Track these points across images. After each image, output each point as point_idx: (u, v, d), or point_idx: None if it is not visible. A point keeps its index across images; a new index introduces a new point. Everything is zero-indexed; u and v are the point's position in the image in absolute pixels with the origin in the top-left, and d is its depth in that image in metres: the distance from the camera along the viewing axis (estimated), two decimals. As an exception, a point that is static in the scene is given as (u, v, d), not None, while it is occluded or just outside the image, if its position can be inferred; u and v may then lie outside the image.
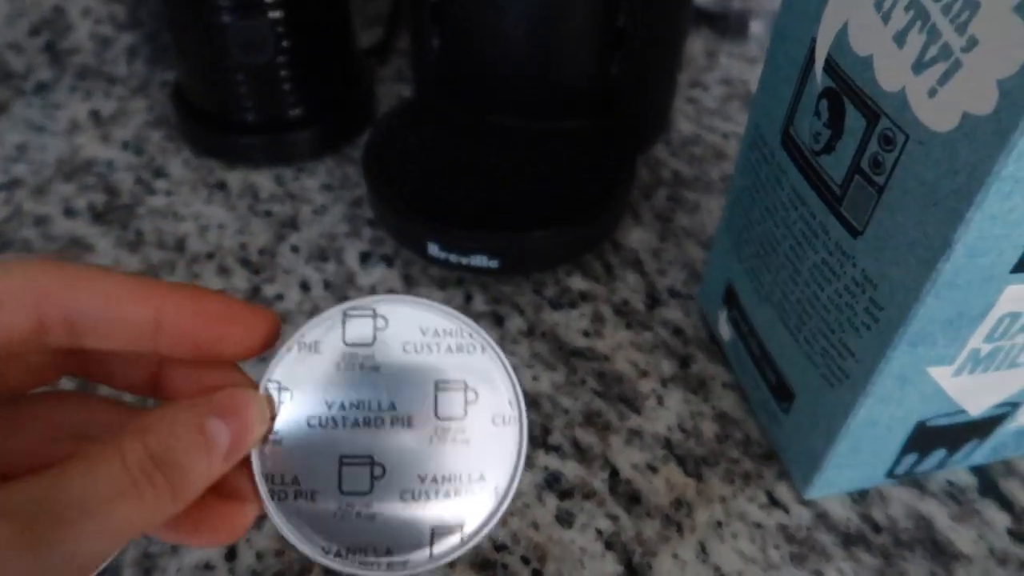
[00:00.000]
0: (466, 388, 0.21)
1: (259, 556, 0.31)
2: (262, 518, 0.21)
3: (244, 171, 0.49)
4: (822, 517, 0.33)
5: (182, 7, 0.44)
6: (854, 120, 0.25)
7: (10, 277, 0.18)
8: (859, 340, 0.27)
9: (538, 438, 0.35)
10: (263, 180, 0.48)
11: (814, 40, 0.27)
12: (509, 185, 0.42)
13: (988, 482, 0.34)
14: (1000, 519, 0.33)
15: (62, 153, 0.49)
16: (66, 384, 0.35)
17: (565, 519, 0.33)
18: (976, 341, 0.26)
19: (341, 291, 0.41)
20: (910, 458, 0.32)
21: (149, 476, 0.17)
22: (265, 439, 0.20)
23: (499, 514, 0.21)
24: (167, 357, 0.20)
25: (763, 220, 0.32)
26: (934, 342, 0.26)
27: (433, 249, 0.40)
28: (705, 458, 0.35)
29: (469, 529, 0.20)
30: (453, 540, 0.20)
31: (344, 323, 0.21)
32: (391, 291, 0.42)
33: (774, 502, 0.33)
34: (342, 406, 0.20)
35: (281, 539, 0.20)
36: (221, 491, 0.20)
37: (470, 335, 0.21)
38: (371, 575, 0.20)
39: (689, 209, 0.47)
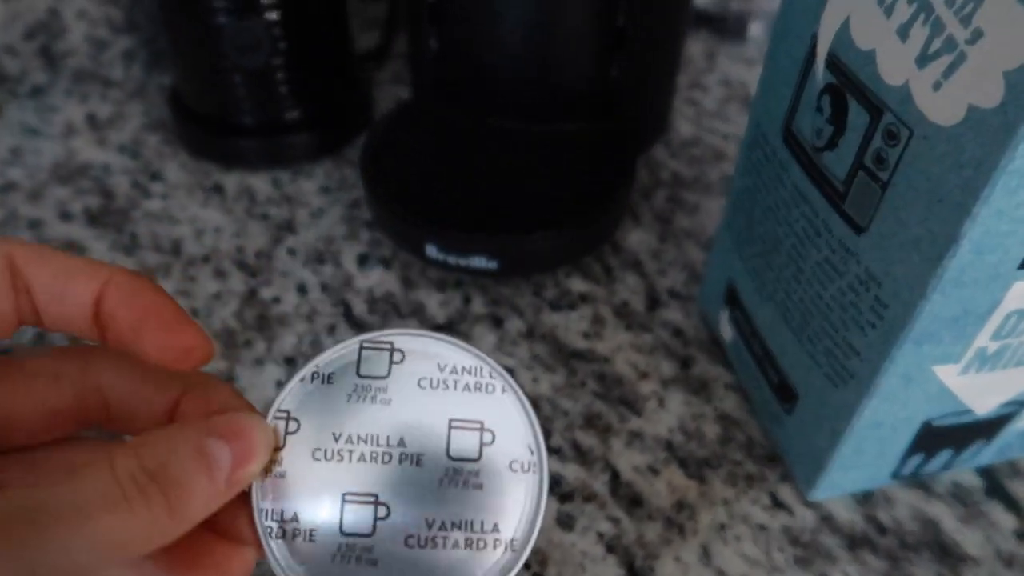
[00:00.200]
0: (482, 429, 0.20)
1: None
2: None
3: (241, 174, 0.48)
4: (827, 519, 0.32)
5: (177, 9, 0.44)
6: (857, 116, 0.25)
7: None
8: (863, 339, 0.27)
9: (538, 441, 0.35)
10: (260, 183, 0.48)
11: (815, 36, 0.27)
12: (508, 187, 0.41)
13: (994, 483, 0.34)
14: (1007, 520, 0.32)
15: (57, 157, 0.49)
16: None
17: (566, 522, 0.32)
18: (983, 339, 0.26)
19: (339, 294, 0.41)
20: (916, 459, 0.32)
21: (141, 488, 0.16)
22: (268, 471, 0.19)
23: (515, 572, 0.19)
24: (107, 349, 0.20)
25: (765, 219, 0.32)
26: (940, 340, 0.25)
27: (431, 250, 0.39)
28: (707, 460, 0.34)
29: None
30: None
31: (360, 355, 0.20)
32: (388, 294, 0.41)
33: (778, 504, 0.33)
34: (349, 439, 0.19)
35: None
36: (221, 531, 0.20)
37: (490, 374, 0.20)
38: None
39: (689, 210, 0.47)
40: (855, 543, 0.32)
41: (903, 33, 0.23)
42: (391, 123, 0.45)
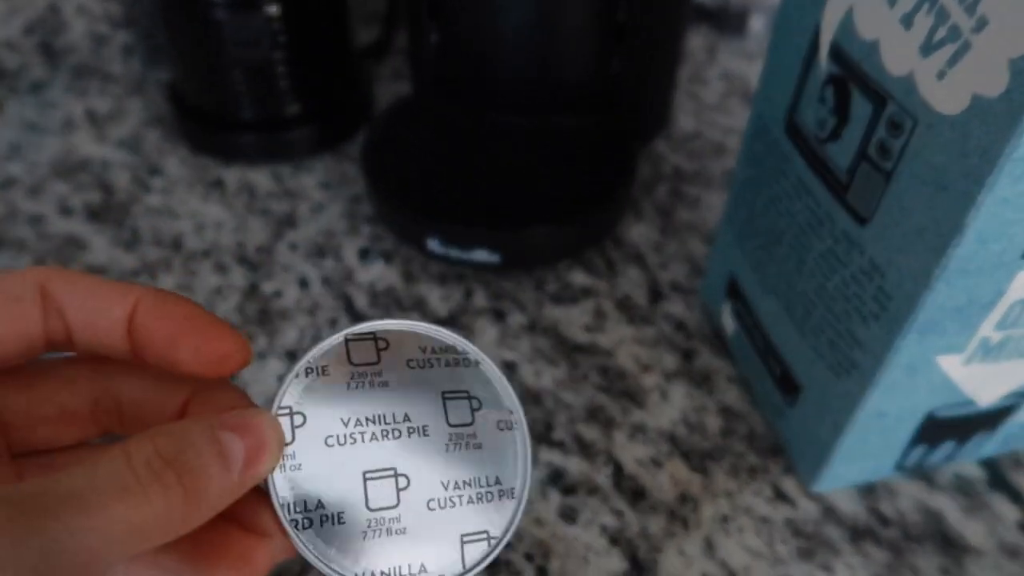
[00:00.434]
0: (470, 397, 0.21)
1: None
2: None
3: (241, 169, 0.48)
4: (830, 511, 0.32)
5: (177, 4, 0.44)
6: (860, 106, 0.25)
7: (20, 275, 0.19)
8: (867, 330, 0.27)
9: (541, 434, 0.35)
10: (260, 178, 0.48)
11: (818, 27, 0.27)
12: (509, 181, 0.41)
13: (997, 475, 0.34)
14: (1010, 512, 0.32)
15: (57, 152, 0.49)
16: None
17: (569, 515, 0.32)
18: (987, 329, 0.26)
19: (340, 288, 0.41)
20: (919, 450, 0.32)
21: (158, 475, 0.16)
22: (283, 467, 0.20)
23: (518, 517, 0.21)
24: (141, 361, 0.21)
25: (767, 211, 0.32)
26: (944, 330, 0.25)
27: (433, 244, 0.39)
28: (710, 452, 0.34)
29: (494, 534, 0.21)
30: (481, 547, 0.20)
31: (347, 347, 0.21)
32: (389, 288, 0.41)
33: (781, 496, 0.33)
34: (359, 422, 0.20)
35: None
36: (245, 525, 0.20)
37: (465, 350, 0.22)
38: None
39: (690, 204, 0.46)
40: (858, 535, 0.32)
41: (907, 22, 0.22)
42: (391, 118, 0.45)
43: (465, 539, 0.20)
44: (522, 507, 0.21)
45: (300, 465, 0.20)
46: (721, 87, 0.56)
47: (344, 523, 0.20)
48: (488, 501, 0.21)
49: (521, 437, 0.21)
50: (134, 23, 0.56)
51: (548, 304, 0.41)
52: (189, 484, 0.17)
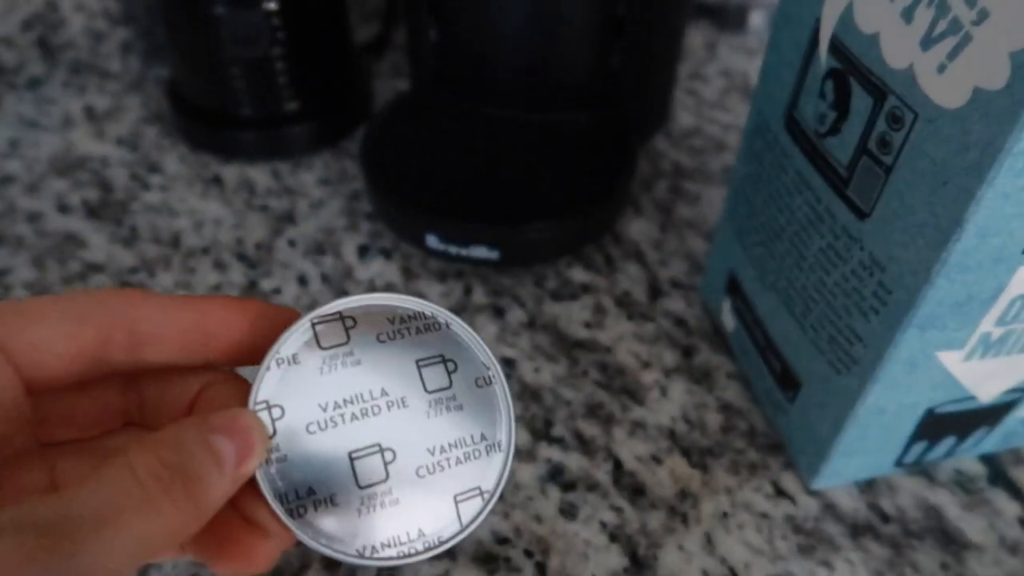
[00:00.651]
0: (444, 360, 0.22)
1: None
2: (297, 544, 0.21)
3: (240, 166, 0.48)
4: (830, 507, 0.32)
5: (175, 0, 0.44)
6: (860, 100, 0.25)
7: (83, 300, 0.19)
8: (867, 325, 0.27)
9: (540, 430, 0.35)
10: (259, 175, 0.48)
11: (818, 21, 0.26)
12: (509, 177, 0.41)
13: (997, 471, 0.34)
14: (1010, 508, 0.32)
15: (55, 149, 0.49)
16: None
17: (568, 512, 0.32)
18: (987, 325, 0.25)
19: (339, 284, 0.41)
20: (919, 446, 0.31)
21: (165, 486, 0.17)
22: (268, 460, 0.20)
23: (508, 467, 0.21)
24: (217, 364, 0.21)
25: (767, 207, 0.32)
26: (944, 326, 0.25)
27: (432, 241, 0.39)
28: (710, 449, 0.34)
29: (487, 487, 0.21)
30: (476, 503, 0.21)
31: (315, 331, 0.21)
32: (388, 284, 0.41)
33: (780, 493, 0.33)
34: (336, 405, 0.21)
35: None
36: (249, 519, 0.20)
37: (433, 314, 0.22)
38: (411, 561, 0.20)
39: (690, 200, 0.46)
40: (858, 531, 0.32)
41: (907, 15, 0.22)
42: (391, 114, 0.45)
43: (459, 498, 0.21)
44: (510, 457, 0.21)
45: (285, 456, 0.20)
46: (721, 83, 0.55)
47: (337, 504, 0.20)
48: (476, 458, 0.21)
49: (501, 390, 0.22)
50: (133, 20, 0.56)
51: (548, 300, 0.41)
52: (195, 490, 0.17)
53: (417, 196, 0.40)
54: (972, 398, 0.29)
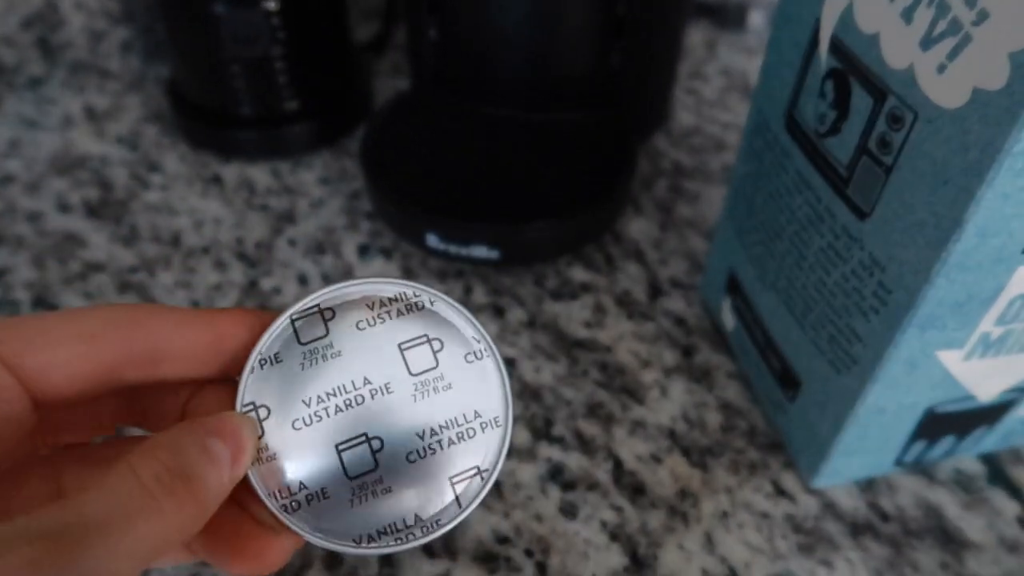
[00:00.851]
0: (428, 340, 0.21)
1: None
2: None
3: (240, 165, 0.48)
4: (829, 506, 0.32)
5: (176, -1, 0.44)
6: (860, 100, 0.25)
7: (96, 318, 0.19)
8: (867, 325, 0.27)
9: (541, 430, 0.35)
10: (259, 174, 0.48)
11: (818, 21, 0.27)
12: (509, 176, 0.41)
13: (997, 470, 0.34)
14: (1010, 507, 0.32)
15: (55, 148, 0.49)
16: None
17: (569, 511, 0.32)
18: (987, 324, 0.26)
19: (339, 284, 0.41)
20: (919, 445, 0.32)
21: (168, 488, 0.17)
22: (259, 460, 0.20)
23: (506, 442, 0.21)
24: (230, 376, 0.22)
25: (767, 206, 0.32)
26: (944, 325, 0.25)
27: (432, 240, 0.39)
28: (710, 448, 0.34)
29: (485, 466, 0.21)
30: (474, 482, 0.21)
31: (294, 327, 0.21)
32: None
33: (780, 492, 0.33)
34: (320, 399, 0.21)
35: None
36: (258, 520, 0.21)
37: (415, 294, 0.21)
38: (409, 546, 0.20)
39: (690, 199, 0.46)
40: (858, 530, 0.32)
41: (907, 16, 0.22)
42: (391, 113, 0.45)
43: (454, 480, 0.20)
44: (509, 432, 0.21)
45: (275, 454, 0.20)
46: (721, 82, 0.55)
47: (329, 497, 0.20)
48: (471, 437, 0.21)
49: (493, 364, 0.21)
50: (132, 19, 0.56)
51: (548, 300, 0.41)
52: (194, 491, 0.18)
53: (417, 195, 0.40)
54: (972, 397, 0.29)
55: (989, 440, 0.33)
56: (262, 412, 0.20)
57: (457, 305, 0.21)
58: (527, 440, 0.34)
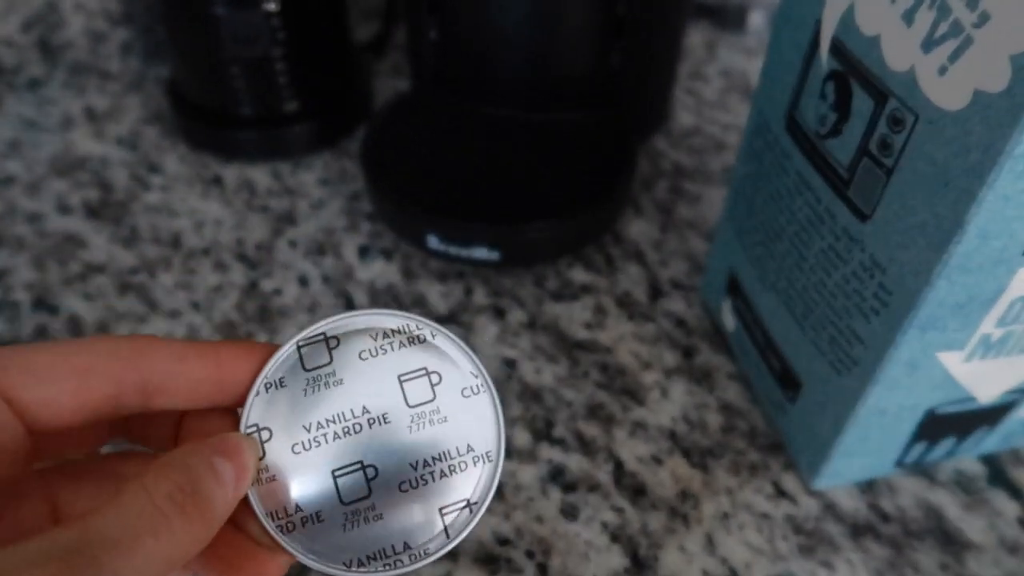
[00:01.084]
0: (428, 373, 0.22)
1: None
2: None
3: (240, 166, 0.48)
4: (830, 508, 0.32)
5: (175, 0, 0.44)
6: (861, 102, 0.25)
7: (95, 352, 0.19)
8: (867, 326, 0.27)
9: (541, 431, 0.35)
10: (259, 175, 0.48)
11: (819, 22, 0.27)
12: (509, 177, 0.41)
13: (997, 471, 0.34)
14: (1010, 508, 0.32)
15: (56, 149, 0.49)
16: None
17: (569, 512, 0.32)
18: (987, 326, 0.26)
19: (340, 285, 0.41)
20: (919, 447, 0.32)
21: (180, 507, 0.18)
22: (259, 480, 0.21)
23: (497, 477, 0.21)
24: (226, 409, 0.22)
25: (767, 208, 0.32)
26: (944, 327, 0.25)
27: (432, 241, 0.39)
28: (710, 449, 0.34)
29: (474, 499, 0.21)
30: (463, 514, 0.21)
31: (300, 354, 0.22)
32: (389, 285, 0.41)
33: (781, 493, 0.33)
34: (320, 425, 0.21)
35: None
36: (255, 539, 0.21)
37: (417, 327, 0.22)
38: (397, 572, 0.21)
39: (690, 200, 0.46)
40: (858, 531, 0.32)
41: (908, 18, 0.22)
42: (391, 114, 0.45)
43: (444, 511, 0.21)
44: (500, 467, 0.21)
45: (274, 476, 0.21)
46: (721, 83, 0.55)
47: (323, 521, 0.21)
48: (462, 470, 0.21)
49: (489, 399, 0.22)
50: (132, 20, 0.56)
51: (548, 301, 0.41)
52: (203, 511, 0.18)
53: (417, 196, 0.40)
54: (972, 399, 0.29)
55: (989, 441, 0.33)
56: (264, 434, 0.21)
57: (457, 340, 0.22)
58: (528, 441, 0.35)
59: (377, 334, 0.22)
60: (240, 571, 0.21)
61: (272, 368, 0.22)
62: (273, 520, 0.21)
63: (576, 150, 0.43)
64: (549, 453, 0.34)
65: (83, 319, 0.39)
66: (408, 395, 0.22)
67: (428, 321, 0.22)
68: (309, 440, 0.21)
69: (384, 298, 0.40)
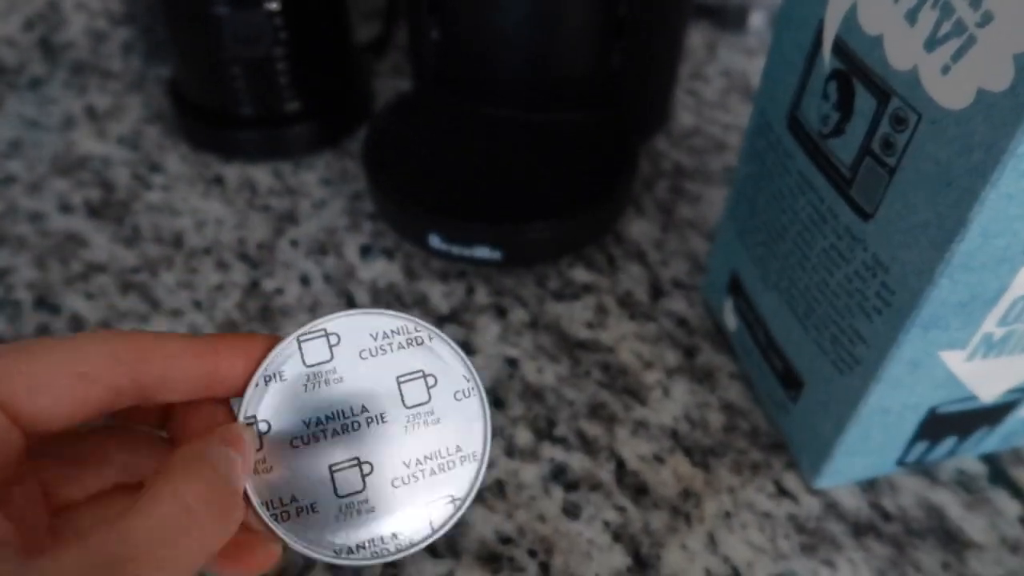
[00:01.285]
0: (424, 375, 0.22)
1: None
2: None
3: (242, 166, 0.48)
4: (832, 507, 0.32)
5: (178, -1, 0.44)
6: (864, 101, 0.25)
7: (94, 355, 0.20)
8: (870, 325, 0.27)
9: (543, 430, 0.35)
10: (261, 175, 0.48)
11: (821, 22, 0.27)
12: (510, 176, 0.41)
13: (999, 470, 0.34)
14: (1012, 507, 0.33)
15: (57, 149, 0.49)
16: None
17: (571, 511, 0.32)
18: (990, 325, 0.26)
19: (341, 285, 0.41)
20: (921, 446, 0.32)
21: (210, 507, 0.18)
22: (257, 470, 0.21)
23: (480, 477, 0.22)
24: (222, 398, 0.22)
25: (769, 207, 0.32)
26: (947, 326, 0.25)
27: (434, 241, 0.39)
28: (712, 449, 0.34)
29: (459, 495, 0.22)
30: (448, 509, 0.22)
31: (300, 349, 0.22)
32: (390, 285, 0.41)
33: (783, 492, 0.33)
34: (319, 421, 0.22)
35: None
36: (249, 527, 0.22)
37: (415, 329, 0.23)
38: (381, 561, 0.22)
39: (691, 200, 0.46)
40: (860, 530, 0.32)
41: (911, 17, 0.22)
42: (392, 114, 0.45)
43: (431, 506, 0.22)
44: (484, 466, 0.22)
45: (271, 467, 0.21)
46: (721, 83, 0.56)
47: (317, 512, 0.21)
48: (450, 468, 0.22)
49: (479, 402, 0.22)
50: (134, 19, 0.56)
51: (550, 300, 0.41)
52: (232, 505, 0.19)
53: (419, 196, 0.40)
54: (974, 398, 0.29)
55: (991, 440, 0.33)
56: (262, 426, 0.22)
57: (452, 344, 0.23)
58: (530, 441, 0.35)
59: (378, 334, 0.23)
60: (235, 556, 0.21)
61: (272, 361, 0.22)
62: (268, 509, 0.21)
63: (577, 150, 0.43)
64: (551, 452, 0.34)
65: (85, 318, 0.39)
66: (405, 396, 0.22)
67: (426, 324, 0.23)
68: (308, 435, 0.22)
69: (386, 297, 0.40)
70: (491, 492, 0.33)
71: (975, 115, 0.21)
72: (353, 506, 0.21)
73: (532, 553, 0.31)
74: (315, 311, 0.40)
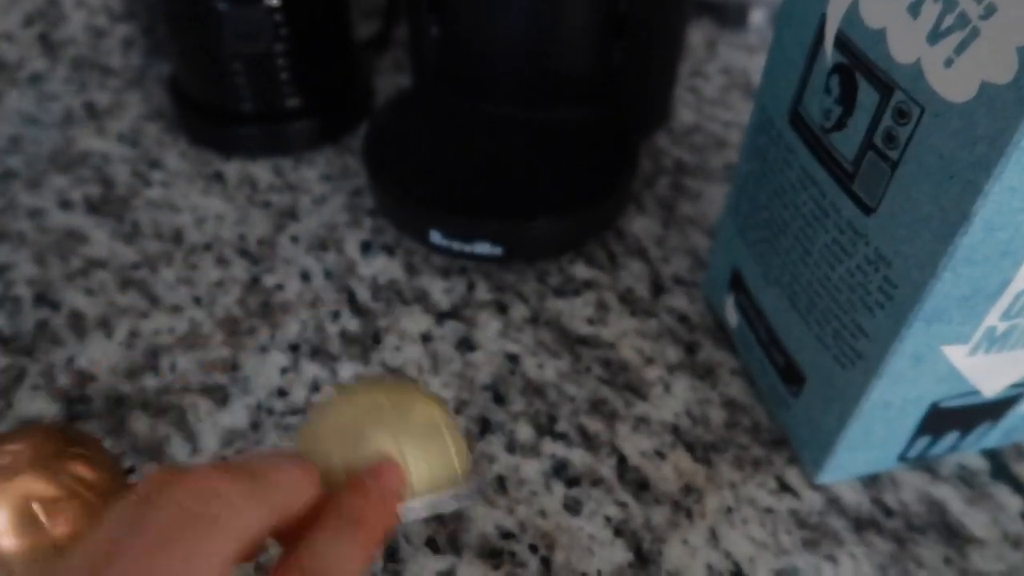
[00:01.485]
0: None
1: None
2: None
3: (242, 162, 0.48)
4: (833, 502, 0.32)
5: (178, -5, 0.44)
6: (867, 95, 0.25)
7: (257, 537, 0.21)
8: (872, 319, 0.27)
9: (544, 426, 0.35)
10: (261, 171, 0.47)
11: (823, 16, 0.27)
12: (511, 173, 0.41)
13: (1000, 465, 0.34)
14: (1013, 502, 0.33)
15: (57, 145, 0.49)
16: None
17: (573, 507, 0.32)
18: (992, 319, 0.26)
19: (342, 281, 0.41)
20: (923, 441, 0.32)
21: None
22: None
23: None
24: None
25: (771, 203, 0.32)
26: (950, 319, 0.25)
27: (435, 237, 0.39)
28: (714, 444, 0.34)
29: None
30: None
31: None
32: (391, 281, 0.41)
33: (784, 487, 0.33)
34: None
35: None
36: None
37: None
38: None
39: (691, 197, 0.46)
40: (862, 525, 0.32)
41: (914, 10, 0.22)
42: (393, 111, 0.45)
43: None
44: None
45: None
46: (722, 81, 0.56)
47: None
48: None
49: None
50: (134, 16, 0.56)
51: (550, 297, 0.41)
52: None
53: (420, 192, 0.40)
54: (976, 393, 0.29)
55: (993, 436, 0.33)
56: None
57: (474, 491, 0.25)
58: (531, 436, 0.34)
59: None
60: None
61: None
62: None
63: (578, 147, 0.43)
64: (552, 448, 0.34)
65: (84, 314, 0.39)
66: None
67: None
68: None
69: (387, 294, 0.40)
70: (493, 488, 0.33)
71: (978, 108, 0.21)
72: None
73: (533, 548, 0.31)
74: (316, 307, 0.40)
